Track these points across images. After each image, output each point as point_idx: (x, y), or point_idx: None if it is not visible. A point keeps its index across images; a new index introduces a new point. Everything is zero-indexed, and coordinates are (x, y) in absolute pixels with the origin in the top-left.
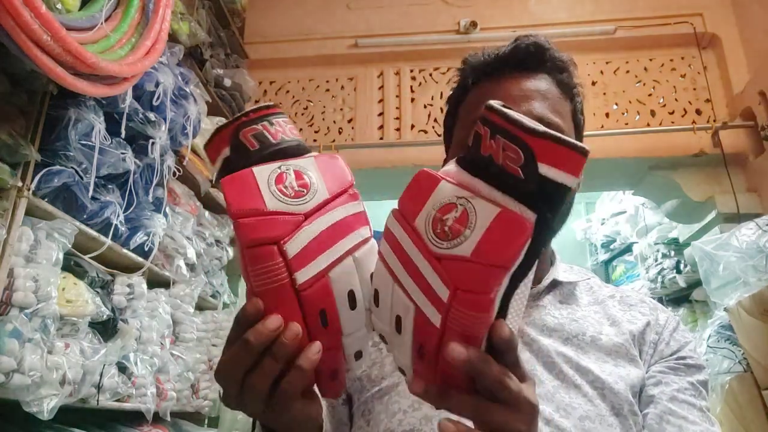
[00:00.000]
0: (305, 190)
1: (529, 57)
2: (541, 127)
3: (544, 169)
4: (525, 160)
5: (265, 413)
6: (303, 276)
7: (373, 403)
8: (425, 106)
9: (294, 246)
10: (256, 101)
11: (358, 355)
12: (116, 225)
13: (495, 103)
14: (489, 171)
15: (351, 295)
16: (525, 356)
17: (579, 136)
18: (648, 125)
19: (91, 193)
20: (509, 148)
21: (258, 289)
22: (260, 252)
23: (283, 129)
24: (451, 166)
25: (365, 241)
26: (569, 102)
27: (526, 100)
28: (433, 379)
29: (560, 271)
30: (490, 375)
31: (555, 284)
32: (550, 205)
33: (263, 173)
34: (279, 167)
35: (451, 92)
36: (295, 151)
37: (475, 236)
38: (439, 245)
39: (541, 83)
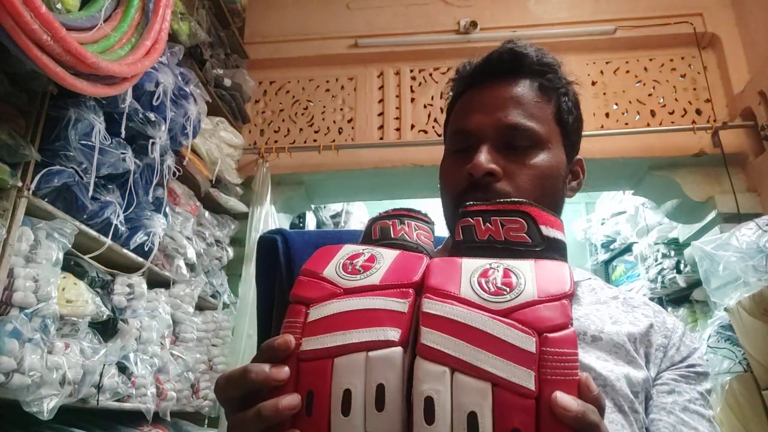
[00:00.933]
0: (363, 272)
1: (505, 64)
2: (525, 200)
3: (545, 230)
4: (528, 226)
5: None
6: (308, 345)
7: None
8: (425, 106)
9: (316, 313)
10: (256, 101)
11: None
12: (116, 225)
13: (469, 204)
14: (495, 248)
15: (346, 396)
16: None
17: (568, 135)
18: (648, 125)
19: (91, 193)
20: (509, 222)
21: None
22: (293, 308)
23: (408, 230)
24: (444, 257)
25: (388, 344)
26: (551, 104)
27: (499, 108)
28: None
29: None
30: (596, 427)
31: None
32: (561, 257)
33: (346, 250)
34: (363, 250)
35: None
36: (406, 248)
37: (530, 282)
38: (501, 301)
39: (518, 89)
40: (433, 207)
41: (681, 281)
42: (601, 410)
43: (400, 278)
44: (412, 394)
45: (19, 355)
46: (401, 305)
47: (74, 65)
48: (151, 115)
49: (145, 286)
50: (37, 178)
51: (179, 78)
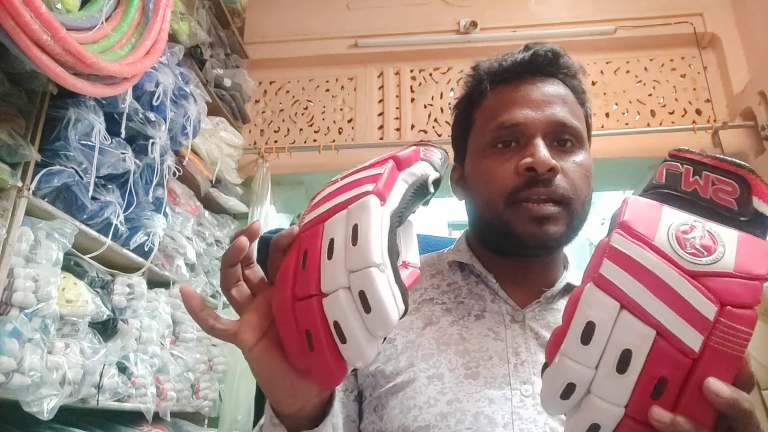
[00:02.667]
0: (357, 167)
1: (547, 63)
2: (749, 166)
3: (757, 203)
4: (740, 193)
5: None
6: (307, 218)
7: (387, 398)
8: (425, 106)
9: (318, 196)
10: (256, 101)
11: (338, 329)
12: (116, 225)
13: (685, 150)
14: (697, 204)
15: (331, 244)
16: (540, 358)
17: (589, 140)
18: (648, 125)
19: (91, 193)
20: (721, 182)
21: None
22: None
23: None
24: (648, 200)
25: (362, 195)
26: (582, 107)
27: (547, 104)
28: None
29: (573, 276)
30: (749, 415)
31: (569, 288)
32: (762, 235)
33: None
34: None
35: (459, 98)
36: None
37: (730, 253)
38: (695, 262)
39: (560, 88)
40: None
41: None
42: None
43: (386, 156)
44: (576, 314)
45: (19, 355)
46: (379, 169)
47: (74, 65)
48: (151, 115)
49: (145, 286)
50: (37, 178)
51: (179, 78)
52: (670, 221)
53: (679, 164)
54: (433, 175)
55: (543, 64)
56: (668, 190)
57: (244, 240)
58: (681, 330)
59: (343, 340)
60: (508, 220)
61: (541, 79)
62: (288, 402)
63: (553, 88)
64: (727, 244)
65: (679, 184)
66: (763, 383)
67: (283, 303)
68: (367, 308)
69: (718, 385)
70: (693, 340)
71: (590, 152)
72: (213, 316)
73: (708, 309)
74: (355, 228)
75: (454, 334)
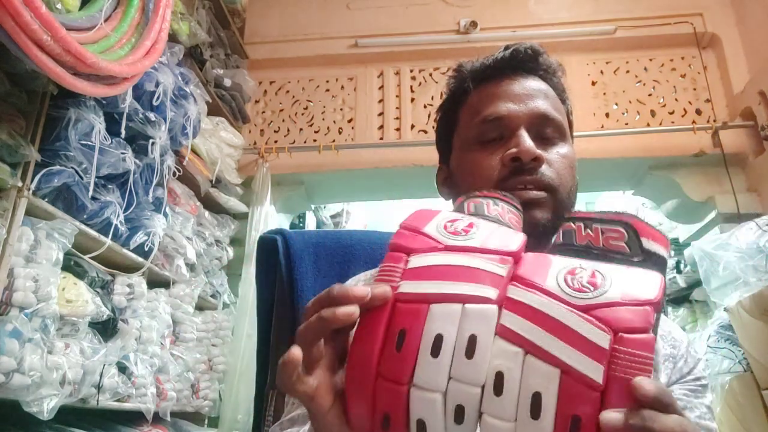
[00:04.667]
0: (464, 234)
1: (527, 60)
2: (632, 213)
3: (647, 243)
4: (628, 237)
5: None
6: (406, 288)
7: None
8: (425, 106)
9: (416, 262)
10: (256, 101)
11: (422, 427)
12: (116, 225)
13: (576, 212)
14: (591, 253)
15: (438, 340)
16: None
17: (571, 137)
18: (648, 125)
19: (91, 193)
20: (609, 231)
21: (375, 280)
22: (392, 255)
23: (501, 212)
24: (538, 253)
25: (486, 300)
26: (563, 104)
27: (530, 97)
28: None
29: None
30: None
31: None
32: (660, 272)
33: (444, 214)
34: (462, 217)
35: (443, 99)
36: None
37: (617, 284)
38: (583, 297)
39: (541, 84)
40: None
41: (681, 281)
42: (670, 399)
43: (500, 246)
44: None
45: (19, 355)
46: (501, 269)
47: (74, 65)
48: (151, 115)
49: (145, 286)
50: (37, 178)
51: (179, 78)
52: (558, 267)
53: (572, 223)
54: None
55: (523, 61)
56: (566, 247)
57: (355, 310)
58: (582, 363)
59: None
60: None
61: (522, 75)
62: None
63: (534, 83)
64: (614, 278)
65: (574, 239)
66: (762, 383)
67: (365, 377)
68: (460, 420)
69: (642, 383)
70: (594, 372)
71: (573, 148)
72: (299, 379)
73: (602, 339)
74: (473, 339)
75: None
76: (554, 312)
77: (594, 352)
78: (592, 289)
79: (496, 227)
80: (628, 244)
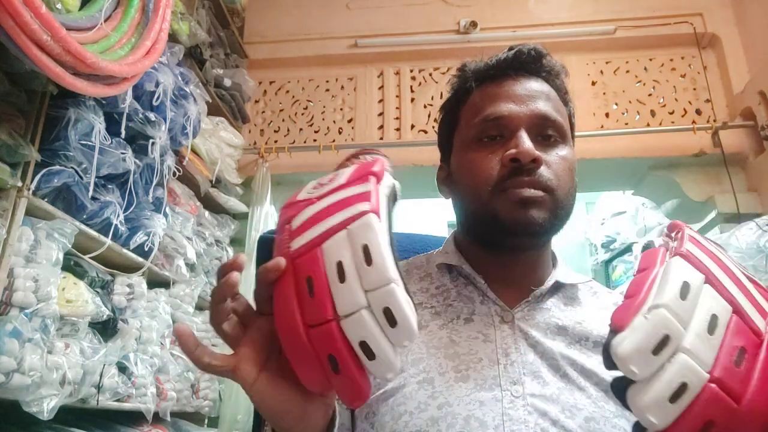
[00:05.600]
0: (329, 182)
1: (530, 61)
2: None
3: None
4: None
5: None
6: (296, 244)
7: (377, 405)
8: (425, 106)
9: (297, 221)
10: (256, 101)
11: (365, 348)
12: (116, 225)
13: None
14: None
15: (339, 267)
16: (530, 358)
17: (573, 139)
18: (648, 125)
19: (91, 193)
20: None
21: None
22: (278, 228)
23: (364, 159)
24: None
25: (361, 214)
26: (565, 107)
27: (531, 98)
28: (744, 384)
29: (562, 273)
30: None
31: (558, 286)
32: None
33: (314, 180)
34: (326, 174)
35: (446, 99)
36: None
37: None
38: (745, 274)
39: (543, 86)
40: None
41: None
42: None
43: (361, 174)
44: (669, 275)
45: (19, 355)
46: (364, 187)
47: (74, 65)
48: (151, 115)
49: (145, 286)
50: (37, 178)
51: (179, 78)
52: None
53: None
54: (396, 183)
55: (526, 62)
56: None
57: (236, 276)
58: (751, 312)
59: (372, 357)
60: (494, 206)
61: (525, 76)
62: (298, 429)
63: (536, 84)
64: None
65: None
66: None
67: (294, 333)
68: (393, 323)
69: None
70: (760, 323)
71: (574, 150)
72: (208, 353)
73: (765, 303)
74: (366, 248)
75: (443, 337)
76: (733, 268)
77: (761, 310)
78: (748, 270)
79: (357, 165)
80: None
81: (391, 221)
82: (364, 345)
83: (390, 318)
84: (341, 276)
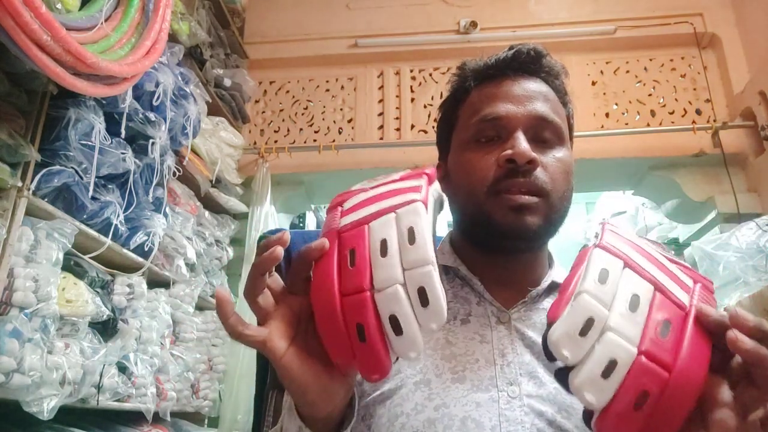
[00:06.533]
0: (383, 178)
1: (529, 61)
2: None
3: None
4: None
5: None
6: (345, 220)
7: (374, 407)
8: (425, 106)
9: (349, 203)
10: (256, 101)
11: (395, 322)
12: (116, 225)
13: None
14: None
15: (383, 243)
16: (526, 358)
17: (571, 141)
18: (648, 125)
19: (91, 193)
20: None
21: (320, 234)
22: (329, 208)
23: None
24: None
25: (411, 202)
26: (564, 108)
27: (529, 99)
28: (672, 353)
29: (558, 274)
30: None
31: (554, 286)
32: None
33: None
34: (377, 177)
35: (445, 98)
36: None
37: (679, 259)
38: (664, 253)
39: (542, 86)
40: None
41: None
42: None
43: (415, 172)
44: (589, 264)
45: (19, 355)
46: (417, 182)
47: (74, 65)
48: (151, 115)
49: (145, 286)
50: (37, 178)
51: (179, 78)
52: (638, 234)
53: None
54: (443, 195)
55: (526, 62)
56: None
57: (280, 251)
58: (673, 288)
59: (399, 333)
60: (489, 210)
61: (524, 76)
62: (321, 406)
63: (535, 85)
64: (679, 260)
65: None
66: None
67: (328, 299)
68: (425, 302)
69: (743, 313)
70: (683, 297)
71: (572, 152)
72: (242, 322)
73: (688, 280)
74: (411, 230)
75: (440, 338)
76: (651, 250)
77: (683, 286)
78: (670, 255)
79: (406, 171)
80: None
81: (435, 222)
82: (393, 319)
83: (423, 298)
84: (383, 251)
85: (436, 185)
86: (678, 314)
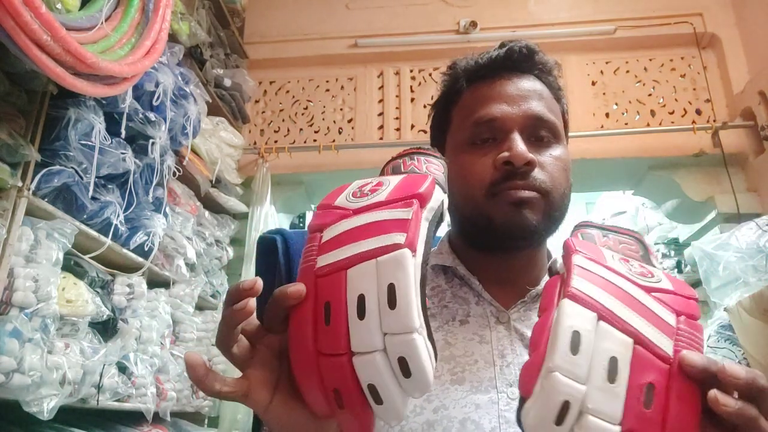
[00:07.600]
0: (371, 194)
1: (522, 59)
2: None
3: (654, 262)
4: (643, 253)
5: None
6: (322, 261)
7: None
8: (425, 106)
9: (329, 233)
10: (256, 101)
11: (374, 391)
12: (116, 225)
13: (587, 221)
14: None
15: (361, 301)
16: (525, 359)
17: (566, 136)
18: (648, 125)
19: (91, 193)
20: (626, 242)
21: (299, 268)
22: (309, 236)
23: (417, 163)
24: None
25: (395, 247)
26: (559, 103)
27: (523, 99)
28: (662, 422)
29: None
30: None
31: None
32: None
33: (356, 182)
34: (372, 179)
35: (437, 98)
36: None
37: (665, 280)
38: (644, 280)
39: (536, 84)
40: None
41: None
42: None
43: (405, 193)
44: (558, 327)
45: (19, 355)
46: (405, 213)
47: (74, 65)
48: (151, 115)
49: (145, 286)
50: (37, 178)
51: (179, 78)
52: (610, 253)
53: (588, 230)
54: (444, 198)
55: (518, 60)
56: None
57: (253, 304)
58: (655, 336)
59: (379, 402)
60: (489, 211)
61: (517, 75)
62: None
63: (528, 83)
64: (659, 274)
65: (594, 242)
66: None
67: (305, 359)
68: (407, 373)
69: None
70: (666, 345)
71: (568, 148)
72: (219, 379)
73: (669, 317)
74: (392, 288)
75: (439, 339)
76: (624, 286)
77: (664, 328)
78: (650, 276)
79: (405, 177)
80: (643, 258)
81: (429, 248)
82: (372, 388)
83: (404, 368)
84: (361, 312)
85: (433, 200)
86: (661, 370)
